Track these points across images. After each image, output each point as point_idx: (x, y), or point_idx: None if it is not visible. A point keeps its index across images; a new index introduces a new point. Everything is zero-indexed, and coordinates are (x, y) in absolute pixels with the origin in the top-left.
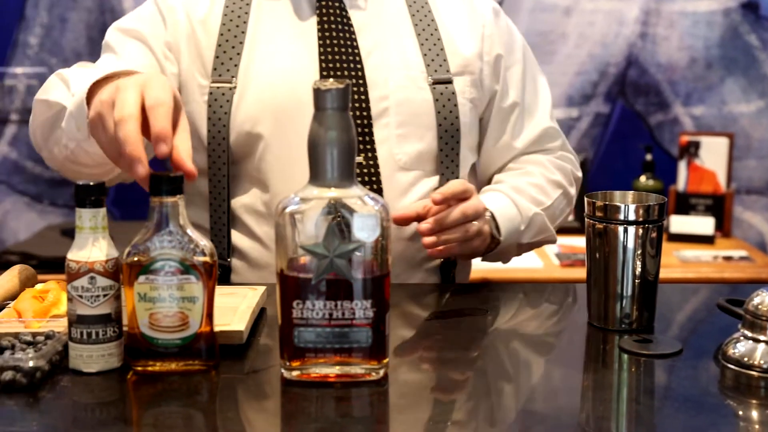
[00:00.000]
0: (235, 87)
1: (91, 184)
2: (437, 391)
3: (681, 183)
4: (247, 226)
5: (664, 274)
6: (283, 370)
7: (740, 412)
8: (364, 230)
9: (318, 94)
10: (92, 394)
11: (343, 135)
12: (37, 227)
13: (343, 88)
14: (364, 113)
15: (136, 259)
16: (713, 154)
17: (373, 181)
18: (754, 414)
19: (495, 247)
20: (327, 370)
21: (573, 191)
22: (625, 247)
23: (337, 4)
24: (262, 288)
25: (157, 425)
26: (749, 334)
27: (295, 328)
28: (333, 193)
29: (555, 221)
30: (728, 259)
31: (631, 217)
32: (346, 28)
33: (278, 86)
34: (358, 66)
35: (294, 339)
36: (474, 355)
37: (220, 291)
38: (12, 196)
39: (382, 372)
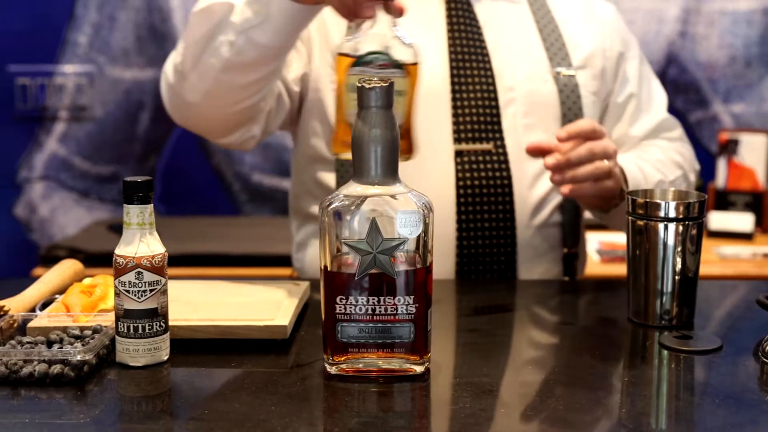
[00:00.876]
0: None
1: (140, 180)
2: (477, 386)
3: (720, 180)
4: None
5: (703, 270)
6: (326, 365)
7: None
8: (407, 227)
9: (362, 92)
10: (138, 388)
11: (387, 133)
12: (85, 222)
13: (387, 86)
14: (492, 103)
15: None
16: (752, 151)
17: (502, 169)
18: None
19: (622, 202)
20: (369, 364)
21: (693, 178)
22: (665, 244)
23: (465, 0)
24: (306, 283)
25: (202, 419)
26: None
27: (338, 323)
28: (377, 189)
29: None
30: (767, 255)
31: (672, 214)
32: (473, 22)
33: None
34: (486, 58)
35: (337, 334)
36: (514, 350)
37: (265, 286)
38: (60, 192)
39: (424, 367)
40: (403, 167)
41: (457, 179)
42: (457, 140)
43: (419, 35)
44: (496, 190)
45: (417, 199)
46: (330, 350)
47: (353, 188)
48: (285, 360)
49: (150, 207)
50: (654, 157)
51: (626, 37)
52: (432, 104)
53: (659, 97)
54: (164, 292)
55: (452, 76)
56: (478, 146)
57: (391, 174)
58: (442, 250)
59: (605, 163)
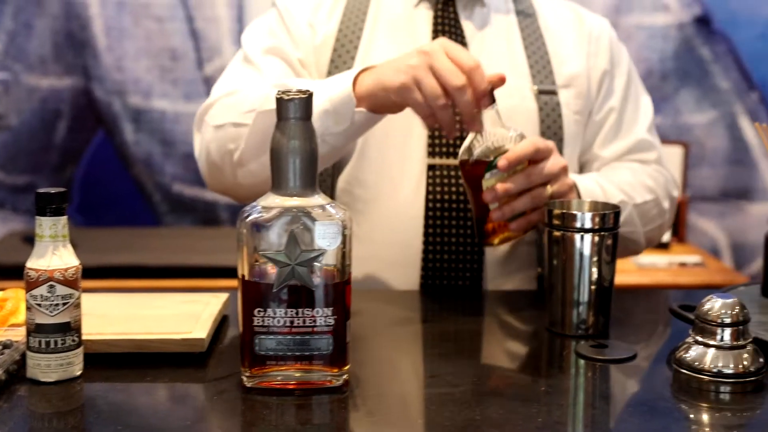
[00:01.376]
0: None
1: (53, 191)
2: (397, 397)
3: None
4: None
5: (621, 279)
6: (243, 378)
7: (692, 416)
8: (326, 238)
9: (281, 103)
10: (50, 404)
11: (305, 144)
12: None
13: (306, 98)
14: None
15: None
16: (669, 162)
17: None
18: (705, 417)
19: None
20: (288, 377)
21: (666, 205)
22: (581, 255)
23: (452, 16)
24: (225, 295)
25: None
26: (700, 339)
27: (256, 335)
28: (295, 201)
29: (645, 225)
30: (683, 264)
31: (587, 225)
32: (458, 36)
33: None
34: None
35: (255, 347)
36: (433, 361)
37: (182, 298)
38: None
39: (342, 379)
40: (375, 178)
41: (428, 192)
42: (431, 154)
43: (401, 47)
44: (466, 206)
45: (336, 211)
46: (248, 363)
47: (271, 199)
48: (202, 373)
49: (63, 219)
50: (622, 179)
51: (616, 55)
52: (407, 117)
53: (644, 117)
54: (77, 305)
55: None
56: (451, 161)
57: (309, 185)
58: (407, 262)
59: (546, 190)
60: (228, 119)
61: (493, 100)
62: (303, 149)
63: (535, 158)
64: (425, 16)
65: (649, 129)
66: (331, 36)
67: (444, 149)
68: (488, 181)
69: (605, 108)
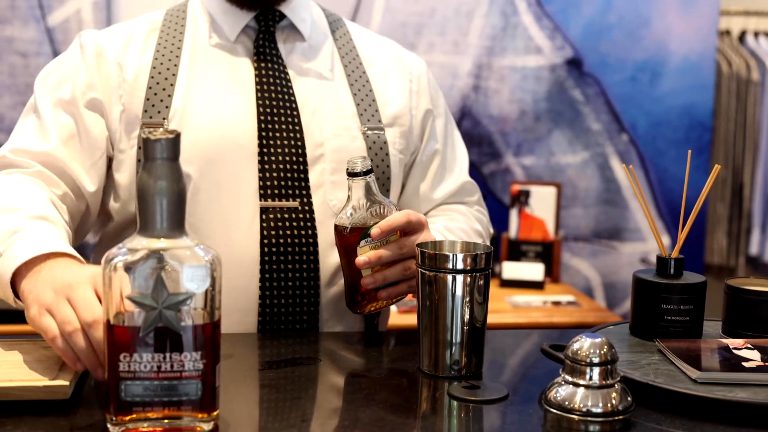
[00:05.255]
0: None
1: None
2: None
3: (513, 230)
4: None
5: (496, 319)
6: (109, 426)
7: None
8: (194, 281)
9: (147, 143)
10: None
11: (173, 185)
12: None
13: (173, 138)
14: (300, 159)
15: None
16: (542, 202)
17: (308, 227)
18: None
19: None
20: (155, 423)
21: (488, 243)
22: (453, 295)
23: (274, 52)
24: None
25: None
26: (570, 378)
27: (121, 381)
28: (162, 243)
29: None
30: (557, 303)
31: (459, 265)
32: (283, 75)
33: (215, 130)
34: (295, 113)
35: (121, 393)
36: (305, 404)
37: (45, 343)
38: None
39: (211, 424)
40: (209, 222)
41: (262, 236)
42: (263, 197)
43: (228, 89)
44: (301, 249)
45: (204, 253)
46: (113, 410)
47: (138, 241)
48: (66, 422)
49: None
50: (459, 227)
51: (435, 95)
52: (238, 160)
53: (462, 157)
54: None
55: (260, 130)
56: (284, 203)
57: (177, 227)
58: (245, 306)
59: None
60: None
61: (370, 170)
62: (170, 190)
63: (407, 230)
64: (246, 50)
65: (467, 170)
66: (145, 70)
67: (277, 191)
68: (362, 248)
69: (429, 150)
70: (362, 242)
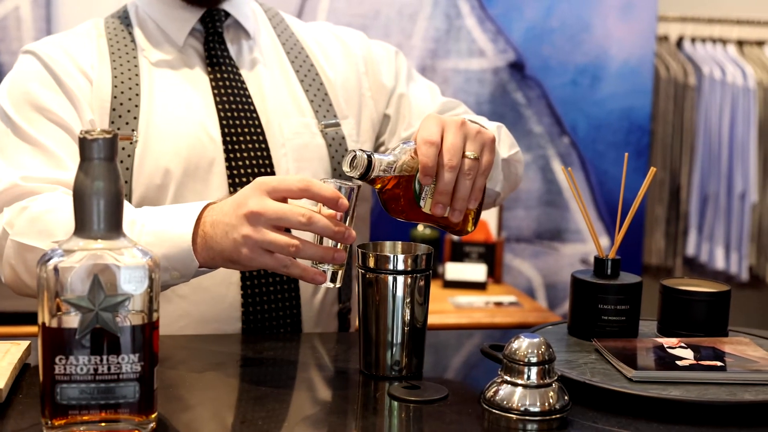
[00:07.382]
0: (136, 141)
1: None
2: None
3: None
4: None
5: (438, 320)
6: (44, 430)
7: None
8: (132, 282)
9: (84, 143)
10: None
11: (110, 185)
12: None
13: (110, 138)
14: (267, 162)
15: None
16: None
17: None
18: None
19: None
20: (92, 427)
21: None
22: (394, 296)
23: (225, 54)
24: (26, 342)
25: None
26: (508, 378)
27: (57, 384)
28: (99, 244)
29: (512, 147)
30: (499, 304)
31: (400, 266)
32: (237, 77)
33: (184, 151)
34: (254, 115)
35: (56, 396)
36: (245, 406)
37: None
38: None
39: (149, 427)
40: None
41: None
42: None
43: (189, 96)
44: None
45: (142, 255)
46: (48, 413)
47: (74, 242)
48: (0, 426)
49: None
50: (471, 118)
51: (385, 62)
52: (206, 175)
53: (431, 85)
54: None
55: (225, 143)
56: None
57: (114, 228)
58: (229, 315)
59: (468, 156)
60: (41, 245)
61: (366, 168)
62: (107, 190)
63: (440, 146)
64: (197, 54)
65: (440, 94)
66: (106, 82)
67: None
68: (425, 199)
69: (395, 100)
70: (422, 203)
